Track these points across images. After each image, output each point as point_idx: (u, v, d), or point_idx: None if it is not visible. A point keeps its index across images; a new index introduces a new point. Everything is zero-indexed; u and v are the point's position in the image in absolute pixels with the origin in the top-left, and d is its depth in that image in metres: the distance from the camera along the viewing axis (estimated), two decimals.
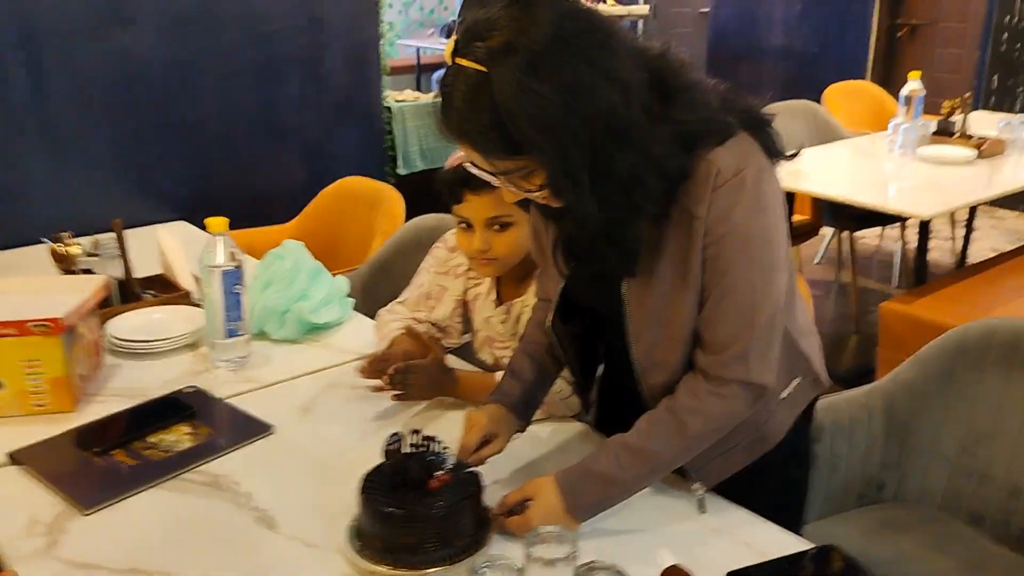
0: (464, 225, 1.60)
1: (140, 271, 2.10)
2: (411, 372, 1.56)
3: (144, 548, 1.24)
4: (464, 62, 1.06)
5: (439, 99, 1.11)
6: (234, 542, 1.26)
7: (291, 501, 1.35)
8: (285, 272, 1.92)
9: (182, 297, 2.03)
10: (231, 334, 1.75)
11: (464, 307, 1.80)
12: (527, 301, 1.67)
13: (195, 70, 2.97)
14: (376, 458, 1.27)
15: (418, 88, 6.03)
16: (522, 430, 1.42)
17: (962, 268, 4.13)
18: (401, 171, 4.00)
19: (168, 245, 2.14)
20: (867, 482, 1.82)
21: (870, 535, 1.71)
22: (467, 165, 1.56)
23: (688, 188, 1.15)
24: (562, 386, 1.56)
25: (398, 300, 1.84)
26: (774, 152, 1.20)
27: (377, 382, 1.59)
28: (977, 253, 4.73)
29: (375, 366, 1.59)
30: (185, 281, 2.08)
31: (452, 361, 1.73)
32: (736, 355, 1.18)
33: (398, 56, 6.53)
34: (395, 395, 1.59)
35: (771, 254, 1.18)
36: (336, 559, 1.21)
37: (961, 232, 4.59)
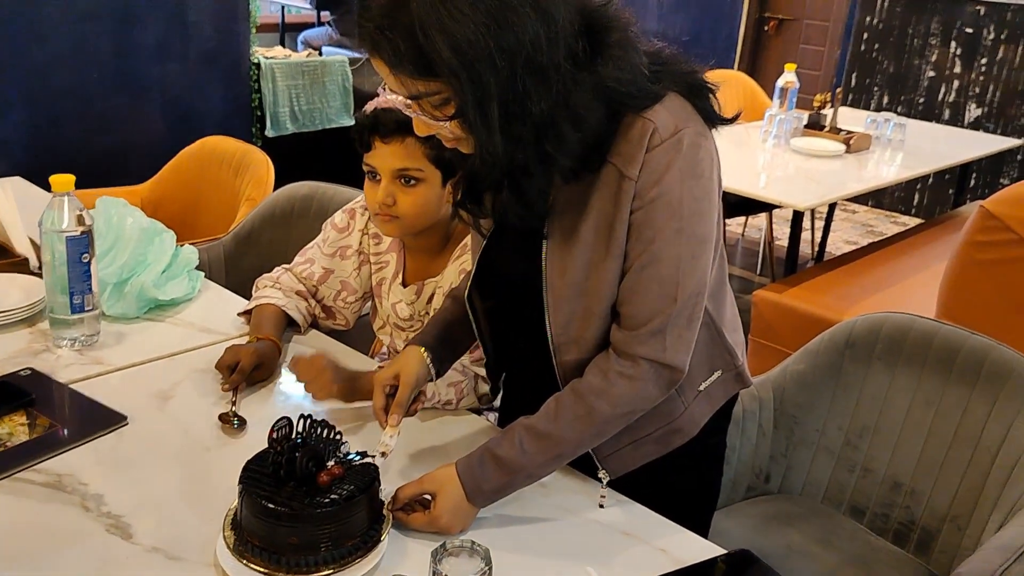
0: (371, 175, 1.48)
1: None
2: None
3: None
4: None
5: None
6: (82, 555, 1.09)
7: (151, 505, 1.18)
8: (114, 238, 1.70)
9: (17, 264, 1.82)
10: (77, 309, 1.54)
11: (366, 291, 1.69)
12: (441, 283, 1.54)
13: (42, 6, 2.66)
14: (248, 453, 1.13)
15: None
16: (436, 370, 1.29)
17: (825, 260, 4.28)
18: (269, 133, 3.73)
19: (0, 204, 1.88)
20: (756, 474, 1.81)
21: (759, 528, 1.70)
22: (381, 92, 1.42)
23: (621, 147, 1.08)
24: (458, 377, 1.46)
25: (285, 266, 1.68)
26: (712, 117, 1.13)
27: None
28: (830, 244, 4.92)
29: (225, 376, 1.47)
30: (20, 246, 1.86)
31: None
32: (653, 331, 1.11)
33: (261, 13, 6.17)
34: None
35: (701, 226, 1.11)
36: (206, 573, 1.06)
37: (819, 224, 4.76)
